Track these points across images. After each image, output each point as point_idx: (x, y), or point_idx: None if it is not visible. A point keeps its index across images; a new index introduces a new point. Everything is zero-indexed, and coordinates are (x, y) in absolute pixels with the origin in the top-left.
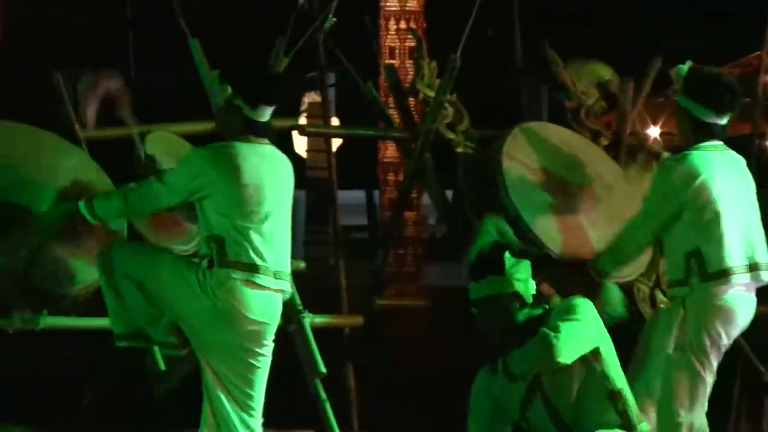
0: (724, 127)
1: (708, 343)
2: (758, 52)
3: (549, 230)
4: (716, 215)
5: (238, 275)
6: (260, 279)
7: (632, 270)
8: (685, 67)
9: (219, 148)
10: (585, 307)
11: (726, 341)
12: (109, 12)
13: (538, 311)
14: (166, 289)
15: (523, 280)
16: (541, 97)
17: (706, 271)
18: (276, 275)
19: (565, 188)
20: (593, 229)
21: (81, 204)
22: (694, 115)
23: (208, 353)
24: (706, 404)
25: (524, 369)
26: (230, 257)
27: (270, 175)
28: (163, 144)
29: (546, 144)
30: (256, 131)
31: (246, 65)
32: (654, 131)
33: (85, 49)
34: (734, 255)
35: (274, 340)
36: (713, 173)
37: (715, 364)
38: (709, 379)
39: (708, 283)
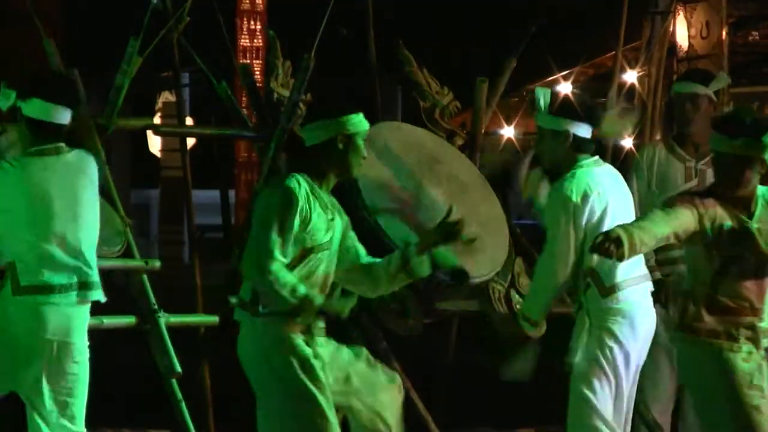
0: (592, 141)
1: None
2: (612, 52)
3: (402, 231)
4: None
5: (32, 299)
6: (56, 299)
7: (489, 269)
8: (544, 90)
9: None
10: None
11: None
12: None
13: None
14: None
15: None
16: (395, 97)
17: (604, 285)
18: (82, 287)
19: (419, 188)
20: None
21: None
22: (575, 134)
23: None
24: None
25: None
26: (23, 283)
27: (59, 187)
28: None
29: (401, 144)
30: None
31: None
32: (508, 131)
33: None
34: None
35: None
36: (605, 189)
37: (624, 375)
38: (613, 390)
39: (606, 298)
